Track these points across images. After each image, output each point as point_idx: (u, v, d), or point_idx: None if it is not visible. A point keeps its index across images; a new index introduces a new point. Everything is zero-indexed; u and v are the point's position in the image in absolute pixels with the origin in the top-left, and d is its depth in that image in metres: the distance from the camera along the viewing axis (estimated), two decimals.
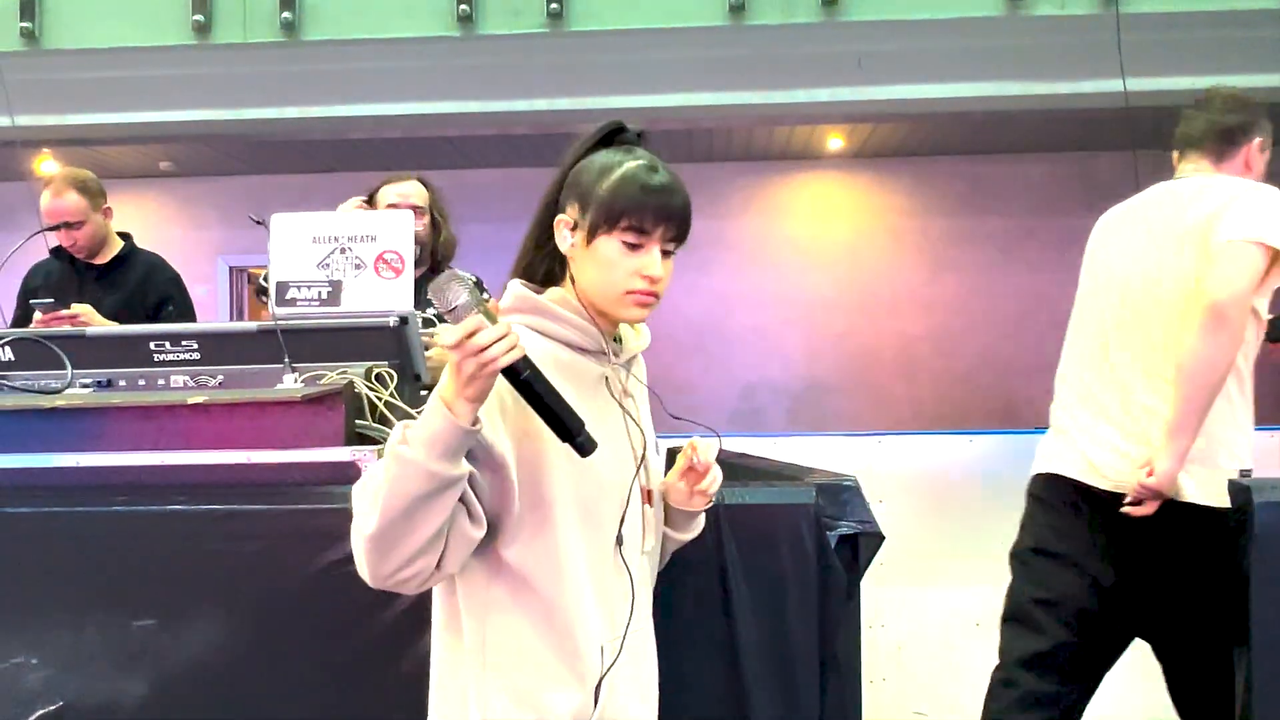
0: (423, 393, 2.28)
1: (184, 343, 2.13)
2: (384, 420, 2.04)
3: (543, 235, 1.47)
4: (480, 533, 1.32)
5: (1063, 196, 6.48)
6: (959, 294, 6.55)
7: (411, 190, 3.03)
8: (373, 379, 2.05)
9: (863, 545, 1.78)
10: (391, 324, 2.10)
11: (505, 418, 1.32)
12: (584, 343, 1.42)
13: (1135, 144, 6.01)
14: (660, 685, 1.50)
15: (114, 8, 4.62)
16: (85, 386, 2.10)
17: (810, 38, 4.57)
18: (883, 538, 1.79)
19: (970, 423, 6.05)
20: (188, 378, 2.12)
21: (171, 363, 2.14)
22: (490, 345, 1.22)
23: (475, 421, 1.25)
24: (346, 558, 1.32)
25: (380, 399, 2.03)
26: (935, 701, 3.26)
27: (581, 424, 1.29)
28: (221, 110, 4.94)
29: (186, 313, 3.51)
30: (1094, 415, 2.35)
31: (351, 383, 2.00)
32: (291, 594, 1.78)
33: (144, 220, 6.80)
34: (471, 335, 1.22)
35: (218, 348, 2.13)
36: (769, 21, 4.53)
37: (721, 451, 1.50)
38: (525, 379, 1.27)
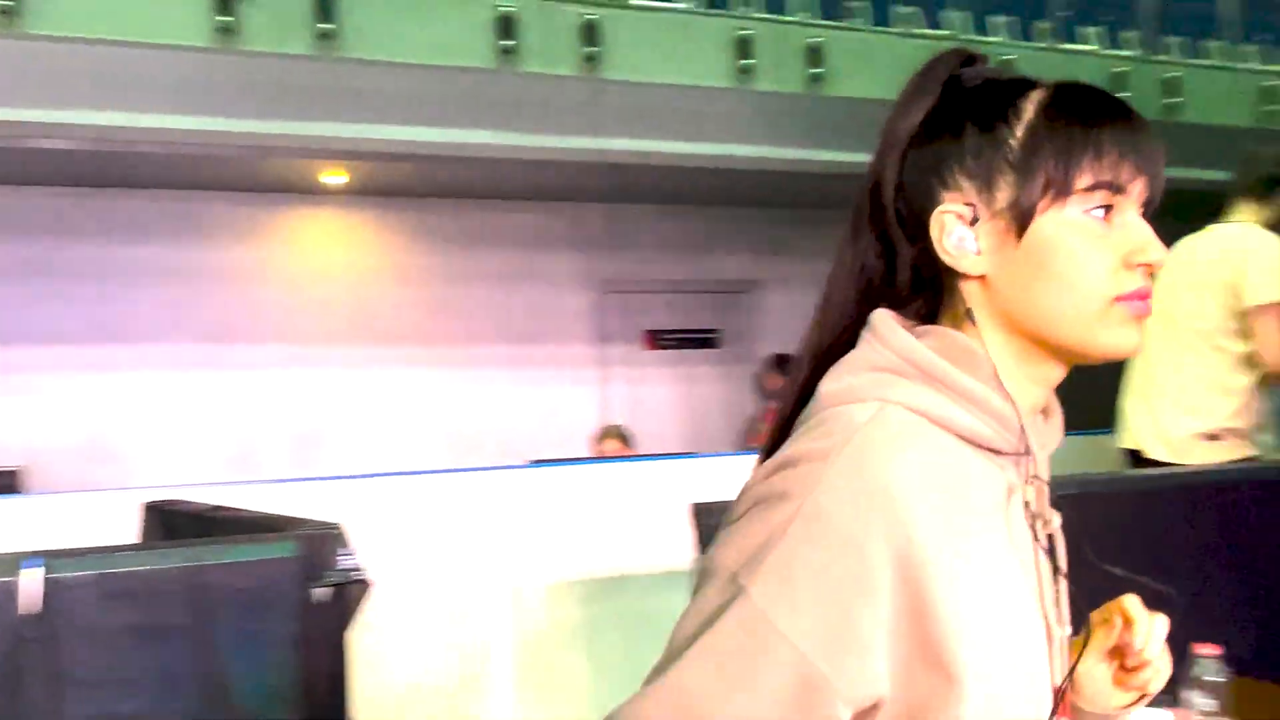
0: None
1: None
2: None
3: (876, 251, 0.89)
4: None
5: (552, 242, 6.92)
6: (456, 332, 6.72)
7: None
8: None
9: (350, 595, 1.74)
10: None
11: (892, 645, 0.78)
12: (995, 438, 0.85)
13: (613, 198, 6.63)
14: None
15: None
16: None
17: (305, 69, 4.48)
18: (369, 585, 1.76)
19: (482, 458, 6.18)
20: None
21: None
22: None
23: None
24: None
25: None
26: None
27: None
28: None
29: None
30: None
31: None
32: None
33: None
34: None
35: None
36: (262, 48, 4.38)
37: (193, 505, 1.37)
38: None
